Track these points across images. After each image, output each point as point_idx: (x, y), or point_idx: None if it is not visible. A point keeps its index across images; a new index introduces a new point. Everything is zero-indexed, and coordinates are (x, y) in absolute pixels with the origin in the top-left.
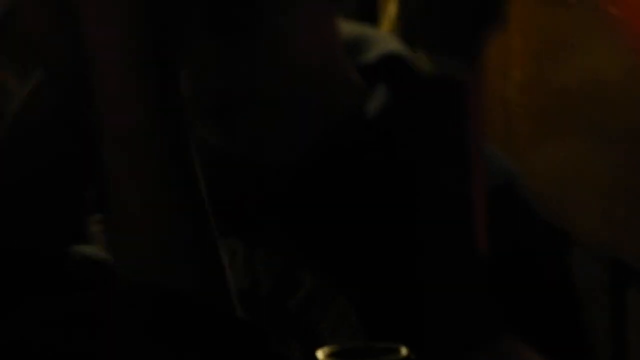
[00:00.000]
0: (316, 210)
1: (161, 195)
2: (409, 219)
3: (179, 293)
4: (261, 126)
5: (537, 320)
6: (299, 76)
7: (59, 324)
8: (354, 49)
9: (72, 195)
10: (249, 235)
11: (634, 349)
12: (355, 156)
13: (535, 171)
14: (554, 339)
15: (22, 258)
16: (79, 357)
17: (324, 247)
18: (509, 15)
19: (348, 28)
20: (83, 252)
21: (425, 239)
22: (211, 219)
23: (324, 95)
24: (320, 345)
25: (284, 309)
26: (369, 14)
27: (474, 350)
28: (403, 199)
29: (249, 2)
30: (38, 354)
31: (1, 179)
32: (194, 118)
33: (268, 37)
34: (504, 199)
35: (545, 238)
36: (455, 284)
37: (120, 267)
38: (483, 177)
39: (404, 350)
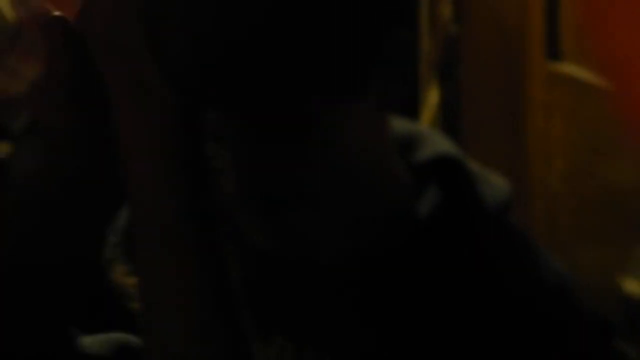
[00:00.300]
0: (367, 312)
1: (193, 288)
2: (466, 324)
3: None
4: (309, 227)
5: None
6: (348, 177)
7: None
8: (405, 148)
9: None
10: (298, 336)
11: None
12: (407, 258)
13: (578, 264)
14: None
15: None
16: None
17: (373, 350)
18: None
19: (399, 125)
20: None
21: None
22: (242, 315)
23: (374, 195)
24: None
25: None
26: (410, 103)
27: None
28: (459, 304)
29: (298, 106)
30: None
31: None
32: (240, 218)
33: (317, 139)
34: (557, 301)
35: (597, 338)
36: None
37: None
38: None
39: None
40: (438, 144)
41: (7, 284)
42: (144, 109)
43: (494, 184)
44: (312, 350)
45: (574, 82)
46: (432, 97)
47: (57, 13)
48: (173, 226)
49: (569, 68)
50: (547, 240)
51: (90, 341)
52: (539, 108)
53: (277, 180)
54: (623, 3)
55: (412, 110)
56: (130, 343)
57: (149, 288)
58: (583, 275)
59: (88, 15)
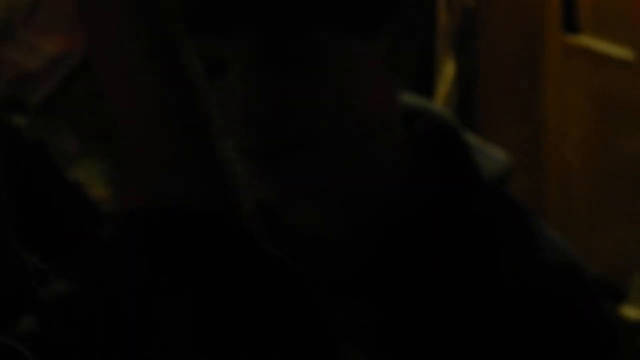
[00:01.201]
0: (372, 290)
1: (158, 110)
2: (465, 302)
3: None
4: (309, 178)
5: None
6: (352, 125)
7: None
8: (404, 118)
9: None
10: None
11: None
12: (407, 234)
13: (593, 244)
14: None
15: None
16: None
17: (392, 328)
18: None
19: (404, 98)
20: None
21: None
22: (212, 132)
23: (376, 155)
24: None
25: None
26: (426, 74)
27: None
28: (458, 283)
29: (306, 32)
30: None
31: None
32: (244, 166)
33: (324, 74)
34: (557, 277)
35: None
36: None
37: (125, 200)
38: None
39: None
40: (436, 115)
41: None
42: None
43: (492, 155)
44: None
45: (591, 54)
46: (448, 69)
47: None
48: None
49: (586, 40)
50: (561, 215)
51: None
52: (555, 80)
53: (280, 116)
54: None
55: (428, 81)
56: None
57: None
58: (597, 255)
59: None
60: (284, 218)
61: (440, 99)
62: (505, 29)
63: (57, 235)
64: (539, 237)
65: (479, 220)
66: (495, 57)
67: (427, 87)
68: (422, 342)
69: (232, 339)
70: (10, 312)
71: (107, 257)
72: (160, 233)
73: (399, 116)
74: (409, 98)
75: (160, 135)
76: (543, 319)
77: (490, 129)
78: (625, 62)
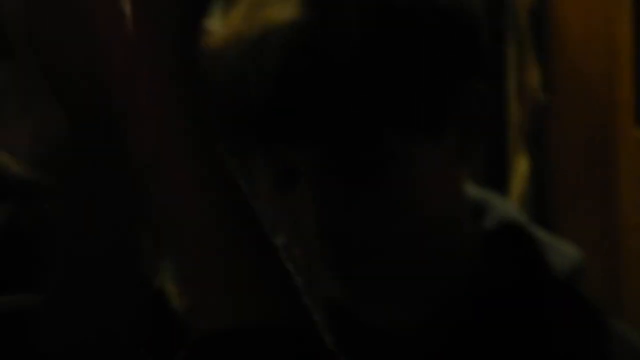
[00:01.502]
0: None
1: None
2: None
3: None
4: (382, 280)
5: None
6: (425, 228)
7: None
8: (473, 213)
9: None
10: None
11: None
12: (476, 329)
13: None
14: None
15: None
16: None
17: None
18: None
19: (470, 191)
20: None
21: None
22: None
23: (447, 250)
24: None
25: None
26: (498, 172)
27: None
28: None
29: (375, 143)
30: None
31: None
32: (318, 273)
33: (394, 181)
34: None
35: None
36: None
37: (192, 318)
38: None
39: None
40: (505, 210)
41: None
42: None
43: (563, 251)
44: None
45: None
46: (521, 165)
47: None
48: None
49: None
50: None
51: None
52: (629, 173)
53: (353, 225)
54: None
55: (500, 178)
56: None
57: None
58: None
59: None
60: (354, 315)
61: (514, 195)
62: (578, 124)
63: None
64: (611, 335)
65: (548, 317)
66: (567, 152)
67: (500, 184)
68: None
69: None
70: None
71: None
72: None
73: (468, 212)
74: (477, 192)
75: (228, 256)
76: None
77: (564, 225)
78: None
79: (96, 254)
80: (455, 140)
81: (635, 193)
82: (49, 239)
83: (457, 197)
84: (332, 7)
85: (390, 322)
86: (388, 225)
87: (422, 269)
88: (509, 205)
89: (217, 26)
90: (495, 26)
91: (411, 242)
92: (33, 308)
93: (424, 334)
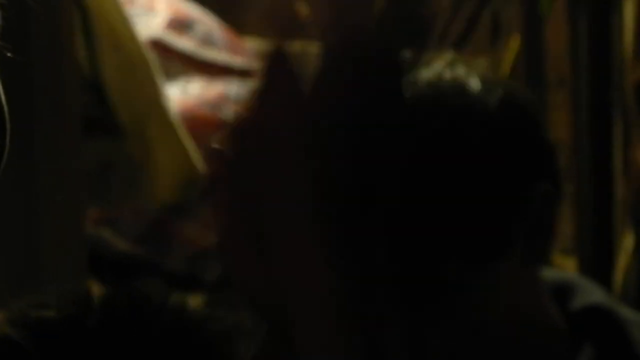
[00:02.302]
0: None
1: None
2: None
3: None
4: None
5: None
6: (501, 338)
7: None
8: (558, 296)
9: None
10: None
11: None
12: None
13: None
14: None
15: None
16: None
17: None
18: None
19: (550, 274)
20: None
21: None
22: None
23: (529, 350)
24: None
25: None
26: (604, 249)
27: None
28: None
29: (438, 270)
30: None
31: None
32: None
33: (463, 303)
34: None
35: None
36: None
37: None
38: None
39: None
40: (591, 293)
41: None
42: None
43: None
44: None
45: None
46: (627, 243)
47: None
48: None
49: None
50: None
51: None
52: None
53: (425, 351)
54: None
55: (607, 254)
56: None
57: None
58: None
59: None
60: None
61: (620, 272)
62: None
63: None
64: None
65: None
66: None
67: (606, 261)
68: None
69: None
70: None
71: None
72: None
73: (547, 304)
74: (562, 275)
75: None
76: None
77: None
78: None
79: None
80: (522, 250)
81: None
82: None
83: (533, 295)
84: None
85: None
86: (462, 347)
87: None
88: (594, 287)
89: None
90: (602, 102)
91: (492, 347)
92: None
93: None
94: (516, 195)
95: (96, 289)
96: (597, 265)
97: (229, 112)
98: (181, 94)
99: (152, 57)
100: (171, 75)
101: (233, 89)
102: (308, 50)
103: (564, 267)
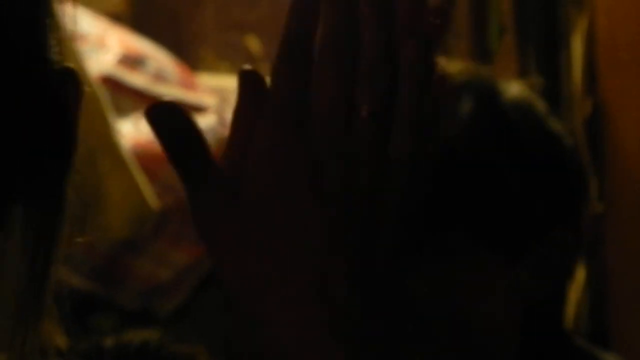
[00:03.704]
0: None
1: None
2: None
3: None
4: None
5: None
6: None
7: None
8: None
9: None
10: None
11: None
12: None
13: None
14: None
15: None
16: None
17: None
18: None
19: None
20: None
21: None
22: None
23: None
24: None
25: None
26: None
27: None
28: None
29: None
30: None
31: None
32: None
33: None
34: None
35: None
36: None
37: None
38: None
39: None
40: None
41: None
42: None
43: None
44: None
45: None
46: (579, 276)
47: None
48: None
49: None
50: None
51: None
52: None
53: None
54: None
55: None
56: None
57: None
58: None
59: None
60: None
61: (572, 305)
62: (633, 234)
63: None
64: None
65: None
66: (625, 262)
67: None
68: None
69: None
70: None
71: None
72: None
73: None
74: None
75: None
76: None
77: (622, 336)
78: None
79: None
80: (528, 274)
81: None
82: None
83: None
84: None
85: None
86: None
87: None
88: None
89: None
90: None
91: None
92: None
93: None
94: (542, 226)
95: (50, 327)
96: (551, 297)
97: None
98: (134, 129)
99: (103, 93)
100: (123, 111)
101: None
102: None
103: None
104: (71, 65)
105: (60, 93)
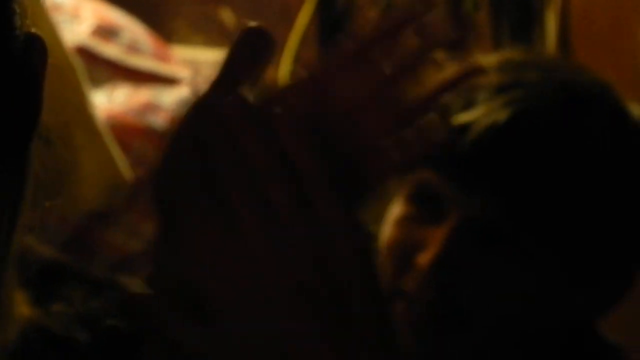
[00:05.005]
0: None
1: None
2: None
3: None
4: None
5: None
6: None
7: None
8: None
9: None
10: None
11: None
12: None
13: None
14: None
15: None
16: None
17: None
18: None
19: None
20: None
21: None
22: None
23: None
24: None
25: None
26: None
27: None
28: None
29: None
30: None
31: None
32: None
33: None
34: None
35: None
36: None
37: None
38: None
39: None
40: None
41: None
42: None
43: None
44: None
45: None
46: None
47: None
48: None
49: None
50: None
51: None
52: None
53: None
54: None
55: None
56: None
57: None
58: None
59: None
60: None
61: None
62: None
63: None
64: None
65: None
66: None
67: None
68: None
69: None
70: None
71: None
72: None
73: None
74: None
75: None
76: None
77: None
78: None
79: None
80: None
81: None
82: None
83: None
84: None
85: None
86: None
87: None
88: None
89: None
90: None
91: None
92: None
93: None
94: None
95: (21, 297)
96: None
97: (155, 120)
98: (107, 100)
99: (78, 63)
100: (97, 82)
101: (159, 96)
102: None
103: None
104: (36, 31)
105: (25, 58)
